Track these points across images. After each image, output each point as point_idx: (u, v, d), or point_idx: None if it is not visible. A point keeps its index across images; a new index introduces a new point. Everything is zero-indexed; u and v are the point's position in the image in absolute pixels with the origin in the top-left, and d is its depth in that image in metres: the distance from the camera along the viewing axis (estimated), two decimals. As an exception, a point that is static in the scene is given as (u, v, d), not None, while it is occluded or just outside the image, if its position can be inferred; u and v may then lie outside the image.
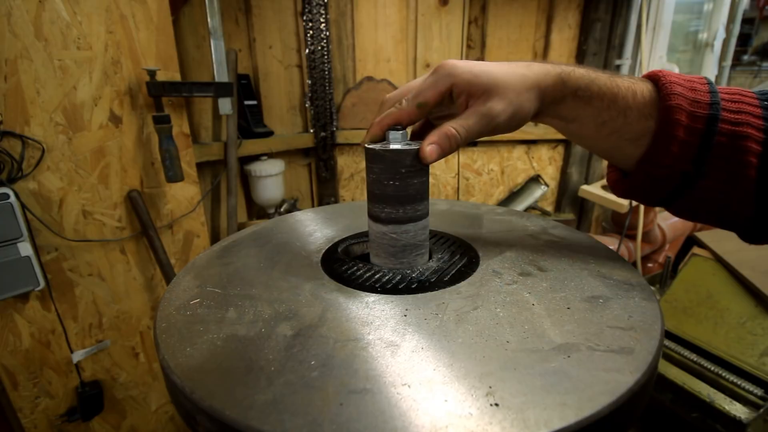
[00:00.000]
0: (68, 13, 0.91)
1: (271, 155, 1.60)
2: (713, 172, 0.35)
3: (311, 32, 1.56)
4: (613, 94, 0.37)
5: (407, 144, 0.40)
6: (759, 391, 0.79)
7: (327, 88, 1.64)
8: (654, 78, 0.37)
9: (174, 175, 1.08)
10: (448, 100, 0.40)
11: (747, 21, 4.07)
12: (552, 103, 0.39)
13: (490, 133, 0.40)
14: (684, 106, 0.34)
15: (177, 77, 1.11)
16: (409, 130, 0.43)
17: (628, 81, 0.38)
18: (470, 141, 0.40)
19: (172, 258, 1.20)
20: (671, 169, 0.36)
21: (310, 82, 1.63)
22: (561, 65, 0.39)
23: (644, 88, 0.37)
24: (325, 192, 1.81)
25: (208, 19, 1.21)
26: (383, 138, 0.42)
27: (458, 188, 1.92)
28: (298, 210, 0.84)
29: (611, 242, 1.67)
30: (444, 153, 0.38)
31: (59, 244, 0.98)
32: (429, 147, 0.38)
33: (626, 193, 0.41)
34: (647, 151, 0.36)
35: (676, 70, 2.05)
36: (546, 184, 1.91)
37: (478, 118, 0.38)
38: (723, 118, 0.34)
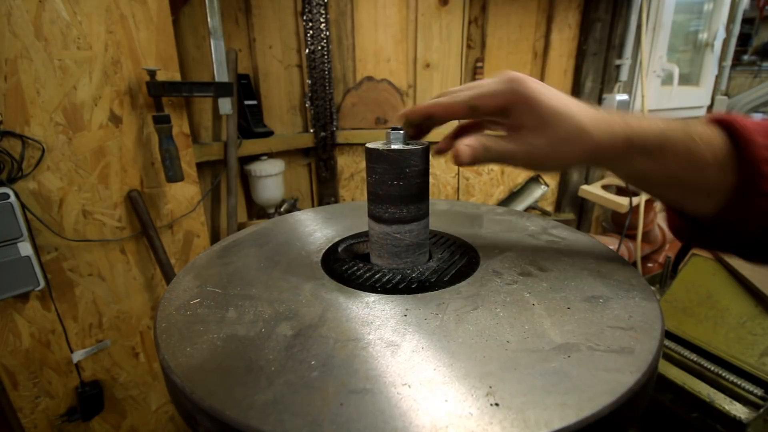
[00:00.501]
0: (68, 13, 0.91)
1: (271, 155, 1.60)
2: None
3: (311, 32, 1.56)
4: (688, 150, 0.34)
5: (408, 144, 0.40)
6: (759, 391, 0.79)
7: (327, 88, 1.64)
8: (726, 125, 0.35)
9: (174, 175, 1.08)
10: (499, 113, 0.38)
11: (747, 21, 4.08)
12: (614, 161, 0.37)
13: (524, 166, 0.38)
14: None
15: (177, 77, 1.11)
16: (454, 124, 0.43)
17: (701, 132, 0.34)
18: (502, 163, 0.38)
19: (172, 258, 1.20)
20: (757, 223, 0.34)
21: (310, 82, 1.63)
22: (627, 120, 0.36)
23: (719, 140, 0.34)
24: (325, 192, 1.81)
25: (208, 19, 1.21)
26: (420, 118, 0.40)
27: (458, 188, 1.92)
28: (298, 210, 0.84)
29: (611, 242, 1.67)
30: (476, 161, 0.37)
31: (59, 244, 0.98)
32: (465, 148, 0.36)
33: (700, 244, 0.39)
34: (732, 206, 0.34)
35: (676, 71, 2.05)
36: (546, 184, 1.91)
37: (517, 148, 0.37)
38: None
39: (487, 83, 0.37)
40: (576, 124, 0.35)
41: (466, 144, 0.36)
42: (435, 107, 0.39)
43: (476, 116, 0.39)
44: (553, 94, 0.36)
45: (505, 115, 0.38)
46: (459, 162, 0.36)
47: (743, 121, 0.34)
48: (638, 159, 0.35)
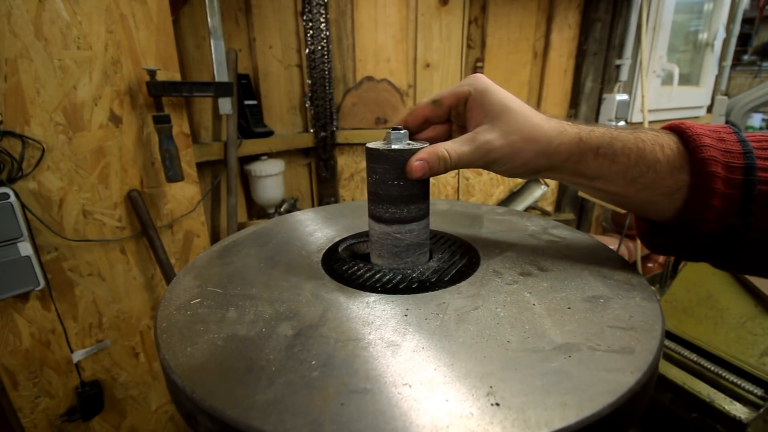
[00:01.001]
0: (68, 13, 0.91)
1: (271, 155, 1.60)
2: (760, 222, 0.33)
3: (311, 32, 1.56)
4: (639, 149, 0.35)
5: (409, 144, 0.40)
6: (759, 391, 0.79)
7: (327, 87, 1.64)
8: (677, 130, 0.36)
9: (174, 174, 1.08)
10: (464, 108, 0.40)
11: (747, 21, 4.09)
12: (568, 161, 0.37)
13: (484, 167, 0.39)
14: (718, 157, 0.33)
15: (177, 77, 1.11)
16: (435, 132, 0.44)
17: (651, 134, 0.36)
18: (462, 168, 0.39)
19: (172, 258, 1.20)
20: (716, 223, 0.34)
21: (310, 81, 1.63)
22: (579, 124, 0.38)
23: (670, 141, 0.36)
24: (325, 192, 1.81)
25: (208, 19, 1.21)
26: (416, 129, 0.43)
27: (458, 188, 1.92)
28: (298, 210, 0.84)
29: (611, 242, 1.67)
30: (432, 173, 0.38)
31: (59, 243, 0.98)
32: (416, 163, 0.37)
33: (666, 249, 0.40)
34: (687, 206, 0.35)
35: (676, 71, 2.05)
36: (546, 184, 1.91)
37: (474, 149, 0.37)
38: (759, 166, 0.33)
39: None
40: (528, 119, 0.37)
41: (418, 159, 0.37)
42: (406, 117, 0.42)
43: (441, 111, 0.41)
44: (505, 93, 0.38)
45: (465, 114, 0.40)
46: (412, 177, 0.37)
47: (694, 126, 0.35)
48: (591, 159, 0.37)
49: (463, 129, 0.43)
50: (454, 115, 0.43)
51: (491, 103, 0.38)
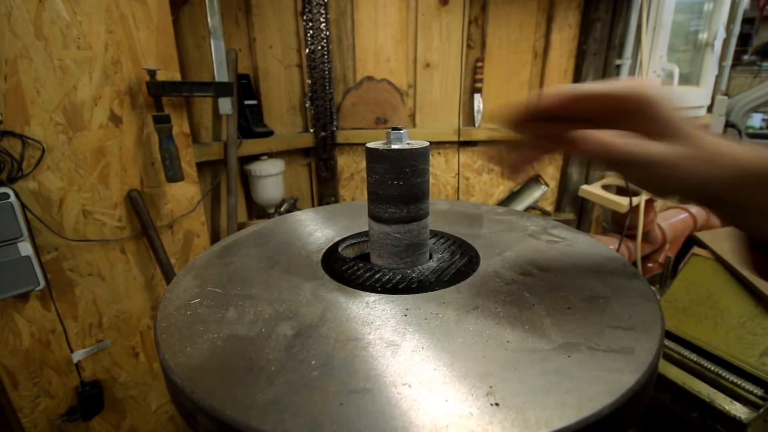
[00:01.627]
0: (68, 13, 0.91)
1: (271, 155, 1.60)
2: None
3: (311, 32, 1.56)
4: None
5: (409, 144, 0.40)
6: (759, 391, 0.79)
7: (327, 87, 1.64)
8: None
9: (174, 174, 1.08)
10: (612, 108, 0.32)
11: (747, 21, 4.09)
12: (759, 192, 0.30)
13: (657, 181, 0.31)
14: None
15: (177, 77, 1.11)
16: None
17: None
18: (625, 172, 0.31)
19: (172, 258, 1.20)
20: None
21: (310, 81, 1.63)
22: (741, 145, 0.30)
23: None
24: (325, 192, 1.81)
25: (208, 19, 1.21)
26: (525, 116, 0.35)
27: (458, 188, 1.92)
28: (298, 210, 0.84)
29: (611, 242, 1.67)
30: (618, 157, 0.30)
31: (59, 243, 0.98)
32: (617, 140, 0.29)
33: None
34: None
35: (676, 71, 2.05)
36: (546, 184, 1.91)
37: (672, 156, 0.29)
38: None
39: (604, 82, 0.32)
40: (714, 140, 0.30)
41: (604, 137, 0.29)
42: (541, 98, 0.33)
43: (578, 108, 0.32)
44: (678, 111, 0.31)
45: (618, 120, 0.31)
46: (609, 153, 0.29)
47: None
48: (752, 189, 0.29)
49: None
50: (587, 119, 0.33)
51: (676, 126, 0.30)
